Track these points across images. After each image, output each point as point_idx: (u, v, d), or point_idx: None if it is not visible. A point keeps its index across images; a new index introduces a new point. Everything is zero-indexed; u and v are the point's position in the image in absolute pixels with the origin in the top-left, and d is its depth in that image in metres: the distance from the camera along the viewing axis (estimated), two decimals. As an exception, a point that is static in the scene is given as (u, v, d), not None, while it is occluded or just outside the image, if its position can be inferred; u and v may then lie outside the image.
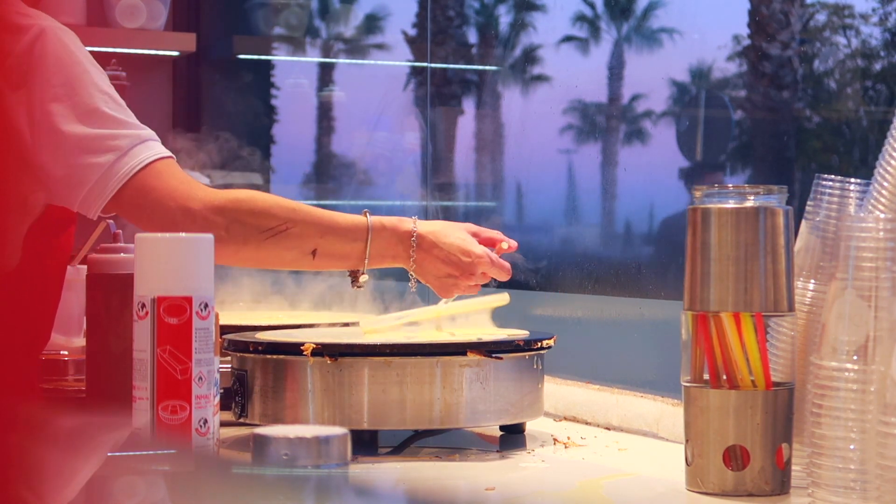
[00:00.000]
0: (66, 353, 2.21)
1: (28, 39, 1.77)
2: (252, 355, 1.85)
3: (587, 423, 2.10)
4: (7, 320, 1.84)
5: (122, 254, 1.83)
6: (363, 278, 1.96)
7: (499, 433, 1.94)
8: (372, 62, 4.40)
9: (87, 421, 1.57)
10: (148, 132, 1.84)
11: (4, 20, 1.76)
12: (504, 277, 2.00)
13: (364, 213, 1.95)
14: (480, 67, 3.82)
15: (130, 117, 1.84)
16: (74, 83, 1.79)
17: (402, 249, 1.95)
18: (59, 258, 1.94)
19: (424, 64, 3.67)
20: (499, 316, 2.07)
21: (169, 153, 1.85)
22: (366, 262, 1.93)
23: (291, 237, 1.88)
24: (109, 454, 1.27)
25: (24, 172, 1.80)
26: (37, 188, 1.82)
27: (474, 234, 2.00)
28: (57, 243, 1.93)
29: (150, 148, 1.82)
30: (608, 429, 2.05)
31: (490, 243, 2.02)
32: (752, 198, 1.53)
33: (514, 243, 2.03)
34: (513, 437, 1.93)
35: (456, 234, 1.98)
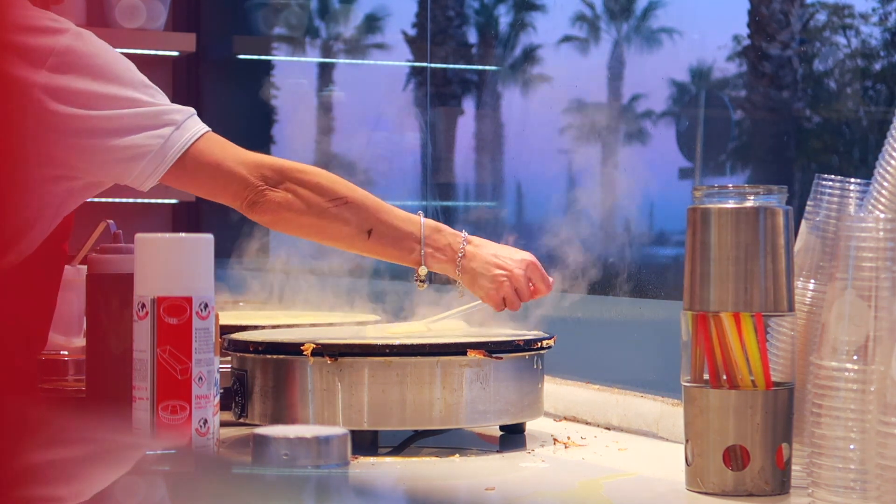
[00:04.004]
0: (66, 353, 2.20)
1: (70, 36, 1.82)
2: (252, 355, 1.85)
3: (587, 423, 2.10)
4: (5, 320, 1.84)
5: (122, 254, 1.83)
6: (422, 270, 1.97)
7: (499, 433, 1.94)
8: (372, 62, 4.40)
9: (86, 421, 1.57)
10: (190, 109, 1.91)
11: (37, 25, 1.81)
12: (545, 291, 2.00)
13: (418, 213, 1.98)
14: (480, 67, 3.82)
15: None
16: (123, 68, 1.86)
17: (451, 247, 1.97)
18: (58, 258, 1.95)
19: (424, 64, 3.67)
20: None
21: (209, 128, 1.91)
22: (421, 250, 1.94)
23: (350, 209, 1.91)
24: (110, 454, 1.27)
25: (65, 177, 1.83)
26: (69, 199, 1.85)
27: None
28: (63, 246, 1.94)
29: (198, 122, 1.89)
30: (608, 429, 2.05)
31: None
32: (752, 198, 1.53)
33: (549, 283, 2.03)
34: (513, 437, 1.93)
35: (500, 246, 2.00)
